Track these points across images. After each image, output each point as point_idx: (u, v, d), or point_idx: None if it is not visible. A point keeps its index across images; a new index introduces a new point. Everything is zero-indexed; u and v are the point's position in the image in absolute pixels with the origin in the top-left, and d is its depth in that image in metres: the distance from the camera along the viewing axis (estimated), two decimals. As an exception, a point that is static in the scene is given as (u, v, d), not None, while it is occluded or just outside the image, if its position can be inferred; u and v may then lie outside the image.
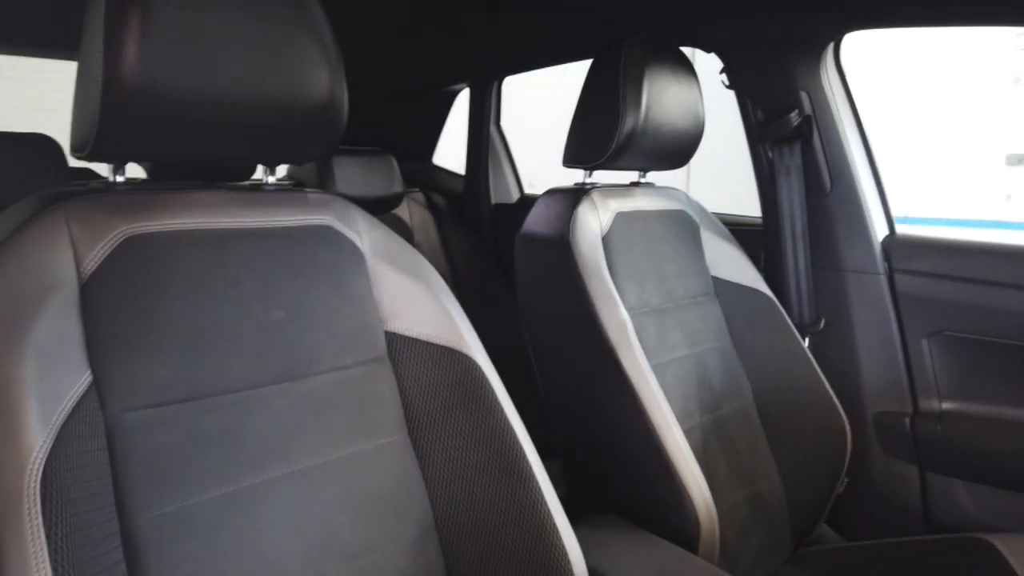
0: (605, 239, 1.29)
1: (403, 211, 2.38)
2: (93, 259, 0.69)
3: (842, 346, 1.60)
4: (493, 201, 2.51)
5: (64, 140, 1.03)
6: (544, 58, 2.08)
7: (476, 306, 2.23)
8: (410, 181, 2.37)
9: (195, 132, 0.71)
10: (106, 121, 0.66)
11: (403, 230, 2.35)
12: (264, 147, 0.79)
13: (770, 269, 1.68)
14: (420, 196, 2.49)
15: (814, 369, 1.44)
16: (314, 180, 2.07)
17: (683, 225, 1.46)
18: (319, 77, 0.75)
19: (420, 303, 0.89)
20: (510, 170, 2.58)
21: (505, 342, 2.03)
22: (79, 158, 0.72)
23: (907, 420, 1.50)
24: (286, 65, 0.73)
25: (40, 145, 1.66)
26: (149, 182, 0.85)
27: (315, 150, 0.82)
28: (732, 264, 1.50)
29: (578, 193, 1.32)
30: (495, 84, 2.44)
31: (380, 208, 2.17)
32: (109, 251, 0.70)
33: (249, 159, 0.83)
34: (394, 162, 2.17)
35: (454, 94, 2.68)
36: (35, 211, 0.69)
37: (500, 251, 2.50)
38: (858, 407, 1.57)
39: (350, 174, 2.04)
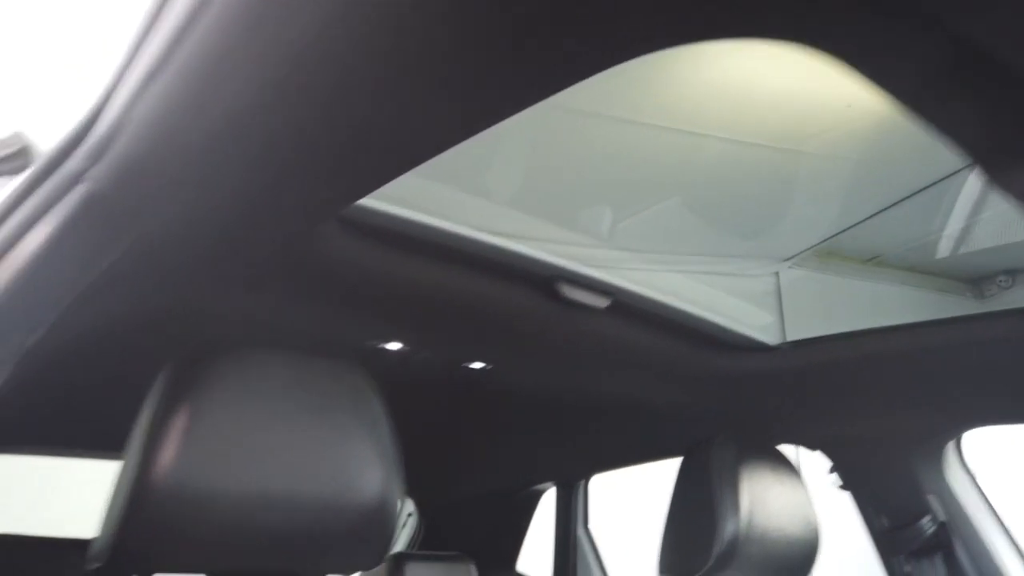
0: None
1: (482, 624, 2.13)
2: None
3: None
4: (582, 613, 2.23)
5: None
6: (633, 457, 2.02)
7: None
8: (491, 589, 2.16)
9: (228, 542, 0.65)
10: (129, 527, 0.60)
11: (480, 647, 2.07)
12: (304, 556, 0.72)
13: None
14: None
15: None
16: (385, 589, 1.90)
17: None
18: (371, 478, 0.70)
19: None
20: (601, 577, 2.33)
21: None
22: (93, 569, 0.64)
23: None
24: (336, 465, 0.68)
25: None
26: None
27: (361, 559, 0.75)
28: None
29: None
30: (582, 483, 2.35)
31: (456, 622, 1.93)
32: None
33: (287, 570, 0.74)
34: (473, 570, 2.00)
35: (539, 493, 2.59)
36: None
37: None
38: None
39: (424, 584, 1.87)
